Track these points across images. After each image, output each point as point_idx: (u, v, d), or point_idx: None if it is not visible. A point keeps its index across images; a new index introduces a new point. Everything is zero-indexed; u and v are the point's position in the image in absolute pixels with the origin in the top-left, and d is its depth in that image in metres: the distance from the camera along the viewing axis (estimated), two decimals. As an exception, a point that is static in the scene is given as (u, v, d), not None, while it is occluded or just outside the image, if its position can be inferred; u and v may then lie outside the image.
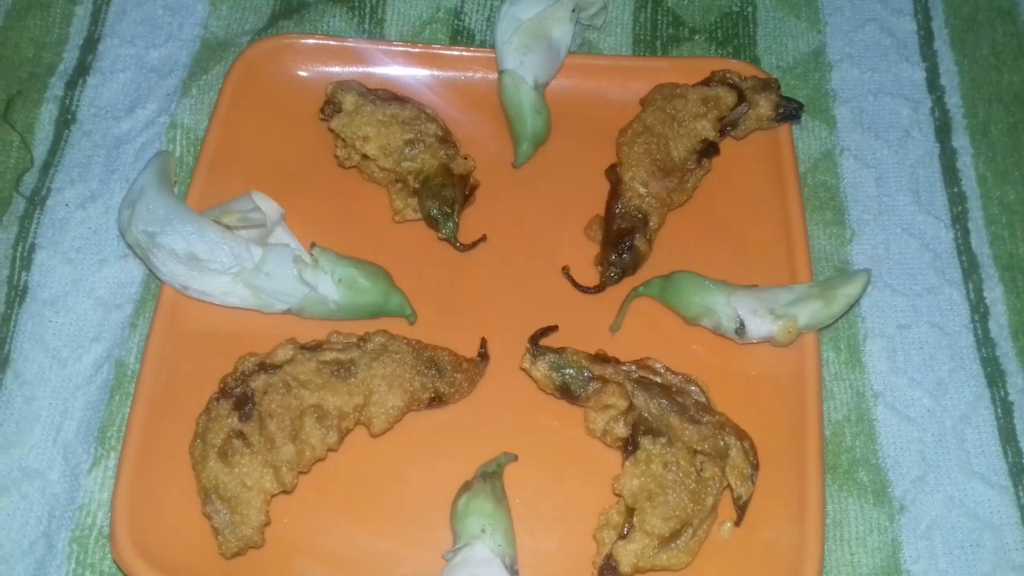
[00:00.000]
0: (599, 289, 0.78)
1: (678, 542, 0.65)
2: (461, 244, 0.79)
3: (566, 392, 0.72)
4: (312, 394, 0.68)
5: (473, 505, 0.66)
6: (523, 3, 0.84)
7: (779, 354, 0.75)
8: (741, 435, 0.69)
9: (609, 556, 0.65)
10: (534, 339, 0.73)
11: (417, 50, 0.87)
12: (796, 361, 0.74)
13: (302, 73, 0.86)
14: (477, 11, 0.96)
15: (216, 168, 0.80)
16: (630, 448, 0.67)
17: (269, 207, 0.76)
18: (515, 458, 0.70)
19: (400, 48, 0.87)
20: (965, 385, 0.78)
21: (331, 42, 0.87)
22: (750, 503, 0.68)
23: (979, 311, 0.81)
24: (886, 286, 0.82)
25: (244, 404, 0.67)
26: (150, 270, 0.75)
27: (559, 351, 0.72)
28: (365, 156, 0.79)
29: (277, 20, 0.93)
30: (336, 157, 0.81)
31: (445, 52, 0.87)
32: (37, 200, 0.84)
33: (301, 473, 0.68)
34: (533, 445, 0.71)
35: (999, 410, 0.77)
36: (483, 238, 0.79)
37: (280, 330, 0.72)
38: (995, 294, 0.82)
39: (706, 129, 0.80)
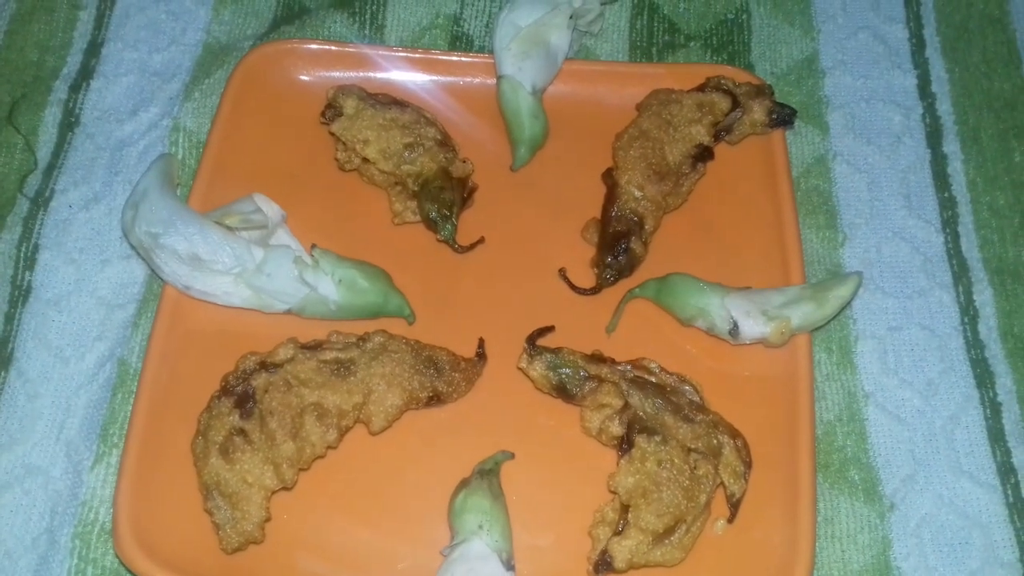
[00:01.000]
0: (595, 291, 0.78)
1: (672, 539, 0.66)
2: (459, 246, 0.79)
3: (562, 391, 0.72)
4: (312, 392, 0.68)
5: (471, 502, 0.67)
6: (521, 10, 0.84)
7: (772, 355, 0.75)
8: (734, 434, 0.70)
9: (604, 552, 0.66)
10: (531, 339, 0.73)
11: (417, 55, 0.87)
12: (789, 362, 0.74)
13: (303, 77, 0.87)
14: (476, 17, 0.97)
15: (218, 170, 0.80)
16: (625, 446, 0.67)
17: (270, 209, 0.76)
18: (512, 456, 0.71)
19: (400, 53, 0.87)
20: (955, 386, 0.79)
21: (332, 47, 0.87)
22: (743, 500, 0.69)
23: (969, 313, 0.82)
24: (877, 288, 0.83)
25: (245, 402, 0.67)
26: (153, 270, 0.75)
27: (556, 351, 0.72)
28: (365, 159, 0.79)
29: (279, 25, 0.94)
30: (337, 160, 0.81)
31: (445, 57, 0.88)
32: (41, 201, 0.84)
33: (301, 470, 0.68)
34: (530, 443, 0.71)
35: (988, 410, 0.78)
36: (481, 240, 0.80)
37: (281, 330, 0.73)
38: (984, 297, 0.82)
39: (701, 134, 0.81)
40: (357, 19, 0.95)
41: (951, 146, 0.90)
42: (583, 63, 0.90)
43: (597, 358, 0.73)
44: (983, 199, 0.87)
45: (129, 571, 0.66)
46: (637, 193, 0.78)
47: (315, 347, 0.71)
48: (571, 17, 0.85)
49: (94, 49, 0.92)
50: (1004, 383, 0.79)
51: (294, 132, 0.84)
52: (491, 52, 0.85)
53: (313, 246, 0.74)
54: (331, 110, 0.80)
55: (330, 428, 0.68)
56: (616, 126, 0.82)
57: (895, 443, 0.76)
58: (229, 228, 0.74)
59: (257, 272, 0.73)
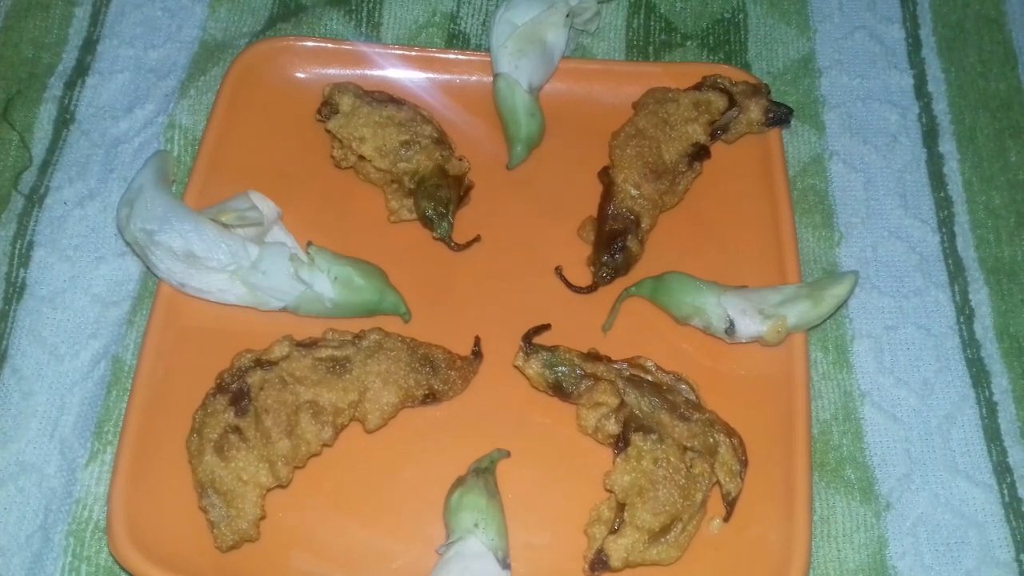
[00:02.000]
0: (591, 289, 0.78)
1: (668, 537, 0.66)
2: (456, 244, 0.78)
3: (558, 390, 0.72)
4: (308, 390, 0.68)
5: (466, 500, 0.66)
6: (518, 8, 0.84)
7: (768, 354, 0.75)
8: (730, 432, 0.70)
9: (600, 550, 0.66)
10: (527, 337, 0.73)
11: (414, 53, 0.87)
12: (785, 361, 0.74)
13: (300, 75, 0.86)
14: (472, 15, 0.96)
15: (214, 168, 0.80)
16: (621, 445, 0.67)
17: (266, 206, 0.76)
18: (508, 454, 0.70)
19: (397, 51, 0.87)
20: (951, 385, 0.78)
21: (328, 44, 0.87)
22: (739, 499, 0.68)
23: (964, 313, 0.82)
24: (873, 288, 0.82)
25: (240, 400, 0.67)
26: (148, 268, 0.75)
27: (552, 349, 0.72)
28: (361, 157, 0.79)
29: (275, 23, 0.93)
30: (333, 158, 0.81)
31: (441, 55, 0.87)
32: (36, 198, 0.84)
33: (296, 468, 0.68)
34: (526, 442, 0.71)
35: (984, 410, 0.78)
36: (477, 238, 0.79)
37: (276, 327, 0.72)
38: (980, 296, 0.82)
39: (697, 133, 0.80)
40: (353, 17, 0.95)
41: (947, 146, 0.90)
42: (580, 62, 0.89)
43: (593, 356, 0.72)
44: (979, 199, 0.87)
45: (123, 569, 0.66)
46: (633, 191, 0.78)
47: (310, 345, 0.71)
48: (568, 15, 0.85)
49: (89, 46, 0.92)
50: (1000, 383, 0.79)
51: (290, 129, 0.83)
52: (488, 50, 0.85)
53: (309, 243, 0.74)
54: (327, 107, 0.80)
55: (325, 426, 0.67)
56: (612, 125, 0.82)
57: (891, 442, 0.76)
58: (224, 225, 0.74)
59: (252, 269, 0.73)
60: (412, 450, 0.71)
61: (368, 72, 0.86)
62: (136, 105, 0.88)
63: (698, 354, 0.76)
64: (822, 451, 0.75)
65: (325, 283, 0.74)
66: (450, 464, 0.69)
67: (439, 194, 0.78)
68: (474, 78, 0.86)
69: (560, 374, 0.72)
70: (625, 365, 0.72)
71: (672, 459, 0.67)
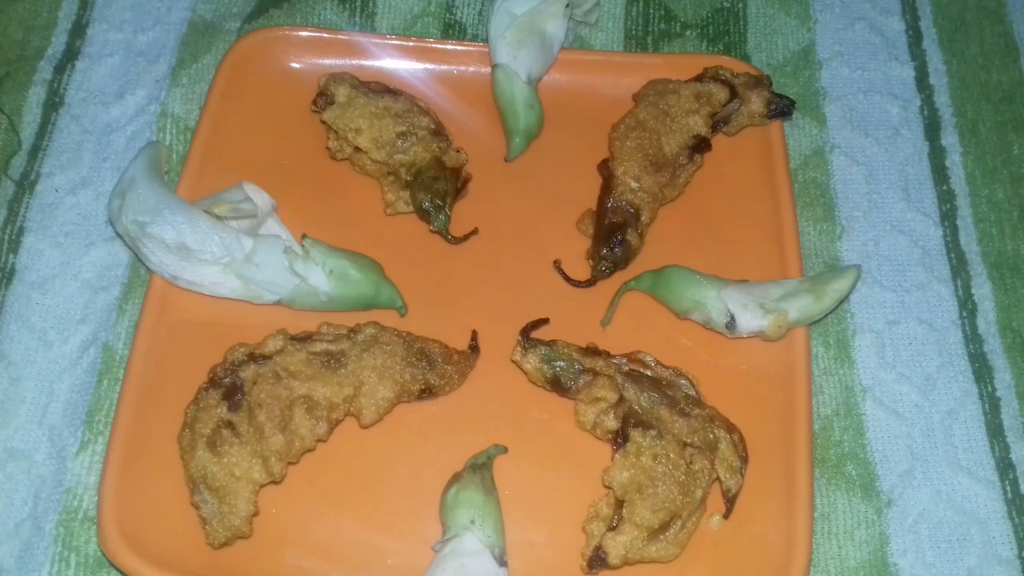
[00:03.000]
0: (590, 283, 0.77)
1: (667, 534, 0.65)
2: (453, 237, 0.78)
3: (556, 385, 0.71)
4: (302, 385, 0.67)
5: (463, 496, 0.66)
6: (517, -2, 0.82)
7: (769, 349, 0.74)
8: (730, 428, 0.69)
9: (598, 548, 0.65)
10: (525, 332, 0.72)
11: (411, 43, 0.86)
12: (786, 356, 0.74)
13: (295, 65, 0.85)
14: (468, 5, 0.95)
15: (208, 159, 0.79)
16: (620, 440, 0.67)
17: (260, 198, 0.75)
18: (505, 450, 0.70)
19: (394, 41, 0.86)
20: (953, 381, 0.78)
21: (324, 34, 0.86)
22: (739, 496, 0.68)
23: (967, 307, 0.81)
24: (875, 282, 0.82)
25: (233, 394, 0.66)
26: (140, 260, 0.74)
27: (550, 344, 0.71)
28: (357, 148, 0.78)
29: (266, 7, 0.92)
30: (328, 149, 0.80)
31: (439, 46, 0.86)
32: (26, 184, 0.83)
33: (290, 464, 0.67)
34: (523, 437, 0.70)
35: (987, 405, 0.77)
36: (475, 231, 0.79)
37: (270, 321, 0.72)
38: (983, 291, 0.82)
39: (698, 125, 0.80)
40: (347, 6, 0.93)
41: (949, 139, 0.89)
42: (579, 53, 0.88)
43: (592, 351, 0.72)
44: (982, 192, 0.86)
45: (113, 566, 0.65)
46: (633, 184, 0.77)
47: (305, 339, 0.70)
48: (567, 5, 0.84)
49: (79, 30, 0.91)
50: (1003, 378, 0.78)
51: (285, 120, 0.82)
52: (485, 40, 0.84)
53: (304, 236, 0.73)
54: (323, 98, 0.79)
55: (320, 421, 0.67)
56: (612, 116, 0.81)
57: (893, 438, 0.75)
58: (218, 217, 0.73)
59: (246, 262, 0.72)
60: (407, 446, 0.70)
61: (364, 62, 0.85)
62: (127, 91, 0.87)
63: (698, 349, 0.75)
64: (823, 447, 0.74)
65: (320, 276, 0.73)
66: (446, 460, 0.68)
67: (436, 186, 0.77)
68: (472, 69, 0.85)
69: (558, 369, 0.71)
70: (624, 360, 0.71)
71: (672, 455, 0.66)
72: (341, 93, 0.78)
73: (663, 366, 0.72)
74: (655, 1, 0.95)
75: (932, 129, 0.90)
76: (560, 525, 0.67)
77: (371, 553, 0.67)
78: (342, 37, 0.86)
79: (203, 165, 0.79)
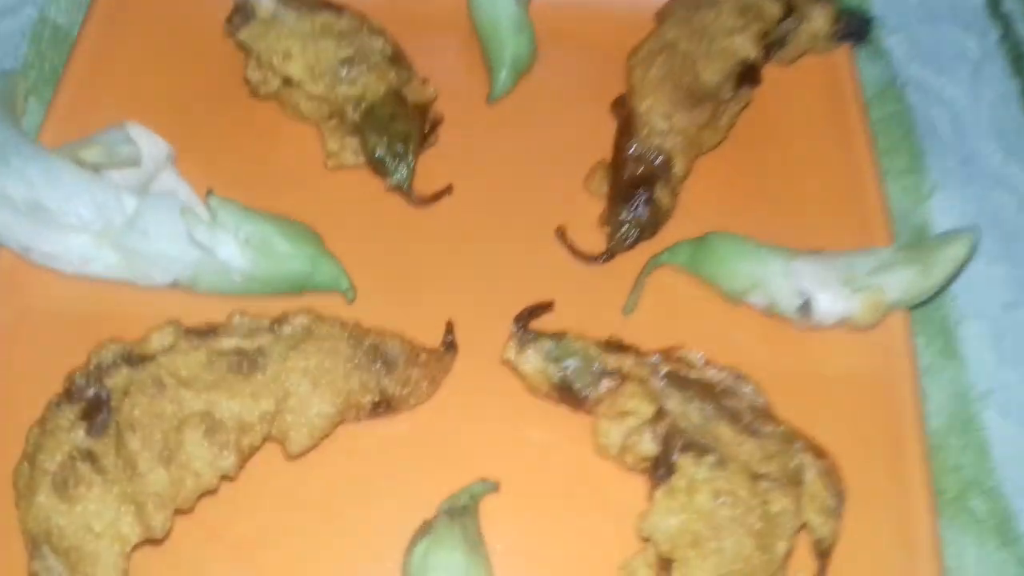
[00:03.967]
0: (606, 257, 0.68)
1: (738, 610, 0.54)
2: (418, 197, 0.69)
3: (567, 393, 0.61)
4: (198, 396, 0.56)
5: (436, 558, 0.56)
6: None
7: (858, 343, 0.64)
8: (819, 452, 0.58)
9: (640, 633, 0.54)
10: (521, 320, 0.62)
11: (360, -58, 0.76)
12: (883, 351, 0.64)
13: (207, -32, 0.77)
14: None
15: (87, 90, 0.71)
16: (662, 472, 0.56)
17: (151, 144, 0.66)
18: (495, 487, 0.60)
19: (337, -60, 0.77)
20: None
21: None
22: (834, 548, 0.57)
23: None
24: (981, 254, 0.70)
25: (96, 411, 0.56)
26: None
27: (556, 337, 0.61)
28: (287, 80, 0.69)
29: None
30: (248, 82, 0.71)
31: (397, -53, 0.78)
32: None
33: (179, 513, 0.56)
34: (520, 469, 0.61)
35: None
36: (448, 190, 0.70)
37: (161, 310, 0.61)
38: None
39: (745, 47, 0.69)
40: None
41: (1042, 75, 0.82)
42: (583, -41, 0.82)
43: (616, 345, 0.62)
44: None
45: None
46: (662, 124, 0.68)
47: (207, 333, 0.60)
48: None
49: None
50: None
51: (191, 43, 0.75)
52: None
53: (209, 193, 0.64)
54: (239, 14, 0.71)
55: (225, 449, 0.56)
56: (629, 40, 0.72)
57: (1028, 460, 0.64)
58: (93, 168, 0.64)
59: (128, 228, 0.62)
60: (357, 484, 0.61)
61: (297, -32, 0.77)
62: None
63: (757, 345, 0.65)
64: (937, 473, 0.63)
65: (232, 247, 0.63)
66: (411, 503, 0.59)
67: (394, 127, 0.68)
68: (442, -21, 0.78)
69: (570, 371, 0.61)
70: (660, 358, 0.61)
71: (740, 492, 0.54)
72: (264, 5, 0.69)
73: (715, 366, 0.61)
74: None
75: (1019, 64, 0.82)
76: (579, 596, 0.57)
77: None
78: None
79: (79, 96, 0.70)
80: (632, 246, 0.68)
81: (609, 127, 0.71)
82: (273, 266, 0.64)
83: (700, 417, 0.57)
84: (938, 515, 0.61)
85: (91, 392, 0.56)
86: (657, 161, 0.67)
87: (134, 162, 0.63)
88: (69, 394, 0.56)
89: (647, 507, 0.56)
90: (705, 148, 0.70)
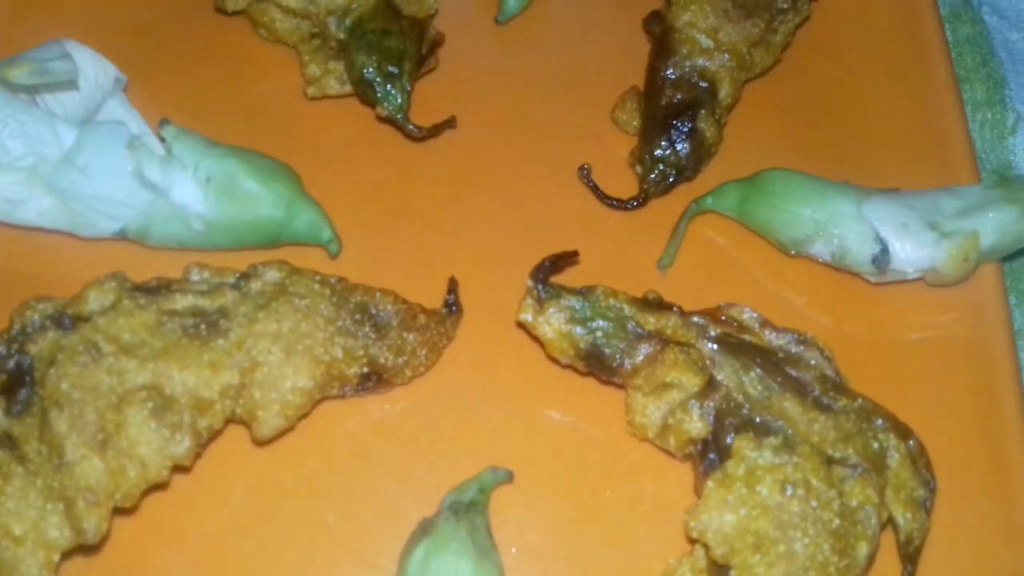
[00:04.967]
0: (639, 201, 0.63)
1: (812, 626, 0.48)
2: (416, 128, 0.64)
3: (596, 361, 0.55)
4: (143, 366, 0.50)
5: (438, 564, 0.50)
6: None
7: (942, 300, 0.59)
8: (903, 431, 0.52)
9: (690, 656, 0.48)
10: (540, 273, 0.55)
11: None
12: (972, 311, 0.59)
13: None
14: None
15: (23, 3, 0.67)
16: (714, 457, 0.51)
17: (97, 67, 0.60)
18: (510, 477, 0.55)
19: None
20: None
21: None
22: (923, 548, 0.51)
23: None
24: None
25: (18, 385, 0.49)
26: None
27: (583, 292, 0.55)
28: None
29: None
30: None
31: None
32: None
33: (120, 513, 0.50)
34: (539, 455, 0.56)
35: None
36: (451, 122, 0.65)
37: (106, 266, 0.55)
38: None
39: None
40: None
41: None
42: None
43: (655, 304, 0.55)
44: None
45: None
46: (706, 41, 0.63)
47: (156, 289, 0.53)
48: None
49: None
50: None
51: None
52: None
53: (163, 121, 0.58)
54: None
55: (177, 432, 0.50)
56: None
57: None
58: (22, 90, 0.58)
59: (65, 165, 0.57)
60: (340, 475, 0.55)
61: None
62: None
63: (821, 305, 0.60)
64: None
65: (190, 188, 0.57)
66: (408, 497, 0.54)
67: (386, 45, 0.62)
68: None
69: (599, 334, 0.54)
70: (706, 320, 0.54)
71: (812, 480, 0.48)
72: None
73: (775, 328, 0.54)
74: None
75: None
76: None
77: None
78: None
79: (12, 11, 0.66)
80: (669, 188, 0.63)
81: (641, 48, 0.66)
82: (240, 211, 0.58)
83: (759, 390, 0.51)
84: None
85: (12, 362, 0.49)
86: (700, 86, 0.62)
87: (71, 83, 0.57)
88: None
89: (695, 501, 0.50)
90: (756, 70, 0.65)
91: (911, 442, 0.52)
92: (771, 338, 0.54)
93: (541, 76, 0.68)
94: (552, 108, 0.67)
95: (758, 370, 0.52)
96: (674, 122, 0.62)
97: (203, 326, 0.51)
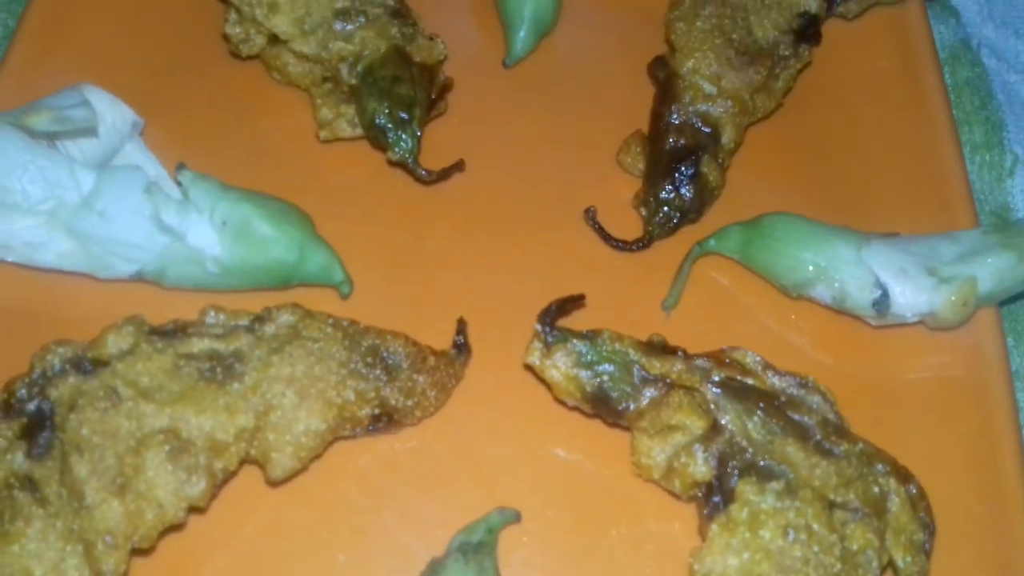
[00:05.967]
0: (644, 243, 0.64)
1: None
2: (426, 172, 0.64)
3: (602, 404, 0.55)
4: (161, 411, 0.50)
5: None
6: None
7: (941, 344, 0.60)
8: (903, 475, 0.52)
9: None
10: (548, 317, 0.56)
11: None
12: (970, 354, 0.59)
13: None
14: None
15: (43, 47, 0.66)
16: (718, 500, 0.52)
17: (114, 111, 0.61)
18: (518, 517, 0.55)
19: None
20: None
21: None
22: None
23: None
24: None
25: (39, 429, 0.50)
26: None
27: (590, 336, 0.56)
28: (274, 38, 0.65)
29: None
30: (227, 39, 0.66)
31: None
32: None
33: (138, 553, 0.51)
34: (546, 496, 0.56)
35: None
36: (459, 166, 0.65)
37: (124, 308, 0.55)
38: None
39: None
40: None
41: None
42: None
43: (659, 347, 0.56)
44: None
45: None
46: (709, 88, 0.63)
47: (173, 333, 0.54)
48: None
49: None
50: None
51: None
52: None
53: (179, 167, 0.58)
54: None
55: (193, 474, 0.50)
56: None
57: None
58: (42, 135, 0.58)
59: (84, 209, 0.57)
60: (350, 515, 0.55)
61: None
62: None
63: (822, 347, 0.60)
64: None
65: (206, 231, 0.58)
66: (417, 537, 0.54)
67: (396, 92, 0.62)
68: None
69: (605, 377, 0.55)
70: (710, 362, 0.55)
71: (814, 525, 0.49)
72: (246, -53, 0.63)
73: (777, 371, 0.55)
74: None
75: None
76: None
77: None
78: None
79: (34, 57, 0.66)
80: (673, 230, 0.64)
81: (646, 93, 0.67)
82: (254, 254, 0.58)
83: (763, 434, 0.52)
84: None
85: (33, 405, 0.50)
86: (703, 130, 0.63)
87: (90, 129, 0.58)
88: (7, 407, 0.51)
89: (700, 542, 0.51)
90: (758, 115, 0.66)
91: (911, 486, 0.52)
92: (774, 381, 0.54)
93: (548, 119, 0.69)
94: (558, 151, 0.68)
95: (761, 414, 0.52)
96: (678, 166, 0.62)
97: (219, 369, 0.52)
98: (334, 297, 0.61)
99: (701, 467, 0.52)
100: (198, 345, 0.53)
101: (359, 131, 0.64)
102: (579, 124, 0.69)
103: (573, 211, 0.65)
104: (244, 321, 0.55)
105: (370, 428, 0.56)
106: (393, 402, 0.55)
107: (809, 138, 0.68)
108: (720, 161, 0.63)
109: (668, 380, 0.54)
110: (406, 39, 0.63)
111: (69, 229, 0.57)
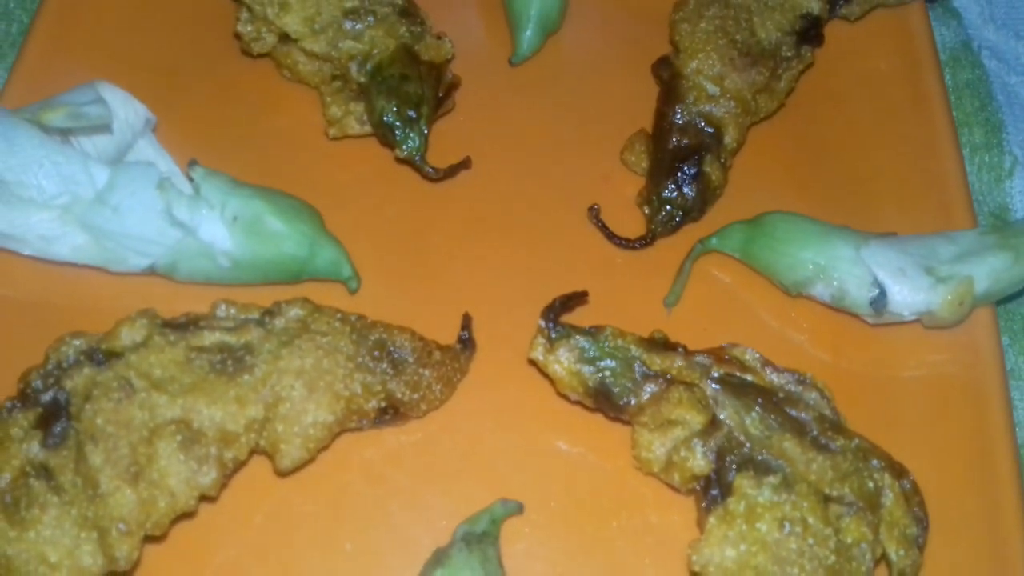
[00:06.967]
0: (646, 241, 0.64)
1: (809, 659, 0.48)
2: (433, 170, 0.64)
3: (604, 398, 0.56)
4: (173, 401, 0.51)
5: None
6: None
7: (937, 342, 0.60)
8: (898, 470, 0.53)
9: None
10: (551, 313, 0.57)
11: None
12: (966, 352, 0.59)
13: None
14: None
15: (57, 45, 0.66)
16: (715, 493, 0.52)
17: (127, 108, 0.61)
18: (519, 509, 0.56)
19: None
20: None
21: None
22: None
23: None
24: None
25: (54, 418, 0.50)
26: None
27: (592, 332, 0.56)
28: (284, 36, 0.65)
29: None
30: (238, 37, 0.66)
31: None
32: None
33: (150, 540, 0.51)
34: (548, 488, 0.57)
35: None
36: (465, 163, 0.66)
37: (136, 301, 0.57)
38: None
39: (807, 1, 0.67)
40: None
41: None
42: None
43: (660, 343, 0.56)
44: None
45: None
46: (712, 88, 0.64)
47: (185, 326, 0.55)
48: None
49: None
50: None
51: None
52: None
53: (191, 163, 0.59)
54: None
55: (204, 464, 0.51)
56: None
57: None
58: (57, 131, 0.58)
59: (98, 204, 0.58)
60: (358, 503, 0.56)
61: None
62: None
63: (821, 344, 0.61)
64: None
65: (217, 226, 0.58)
66: (422, 527, 0.55)
67: (404, 90, 0.63)
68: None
69: (608, 372, 0.55)
70: (710, 359, 0.56)
71: (809, 519, 0.49)
72: (257, -53, 0.63)
73: (776, 368, 0.55)
74: None
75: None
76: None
77: None
78: None
79: (47, 55, 0.66)
80: (676, 229, 0.64)
81: (650, 92, 0.67)
82: (265, 249, 0.59)
83: (760, 429, 0.52)
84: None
85: (48, 396, 0.51)
86: (706, 130, 0.63)
87: (104, 126, 0.58)
88: (23, 397, 0.51)
89: (698, 534, 0.52)
90: (761, 116, 0.66)
91: (905, 481, 0.52)
92: (772, 378, 0.55)
93: (553, 118, 0.69)
94: (563, 149, 0.68)
95: (759, 410, 0.53)
96: (681, 165, 0.63)
97: (229, 362, 0.52)
98: (342, 291, 0.61)
99: (700, 461, 0.53)
100: (209, 338, 0.54)
101: (368, 128, 0.65)
102: (584, 123, 0.69)
103: (577, 208, 0.65)
104: (254, 315, 0.56)
105: (376, 420, 0.56)
106: (399, 395, 0.56)
107: (810, 138, 0.69)
108: (722, 161, 0.64)
109: (668, 376, 0.54)
110: (414, 38, 0.64)
111: (83, 223, 0.57)
